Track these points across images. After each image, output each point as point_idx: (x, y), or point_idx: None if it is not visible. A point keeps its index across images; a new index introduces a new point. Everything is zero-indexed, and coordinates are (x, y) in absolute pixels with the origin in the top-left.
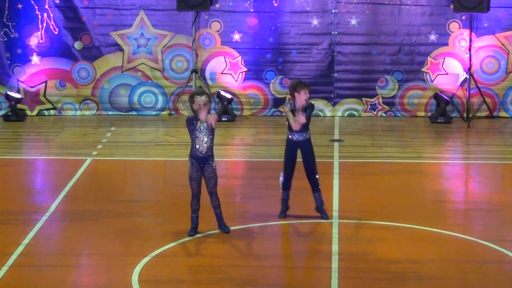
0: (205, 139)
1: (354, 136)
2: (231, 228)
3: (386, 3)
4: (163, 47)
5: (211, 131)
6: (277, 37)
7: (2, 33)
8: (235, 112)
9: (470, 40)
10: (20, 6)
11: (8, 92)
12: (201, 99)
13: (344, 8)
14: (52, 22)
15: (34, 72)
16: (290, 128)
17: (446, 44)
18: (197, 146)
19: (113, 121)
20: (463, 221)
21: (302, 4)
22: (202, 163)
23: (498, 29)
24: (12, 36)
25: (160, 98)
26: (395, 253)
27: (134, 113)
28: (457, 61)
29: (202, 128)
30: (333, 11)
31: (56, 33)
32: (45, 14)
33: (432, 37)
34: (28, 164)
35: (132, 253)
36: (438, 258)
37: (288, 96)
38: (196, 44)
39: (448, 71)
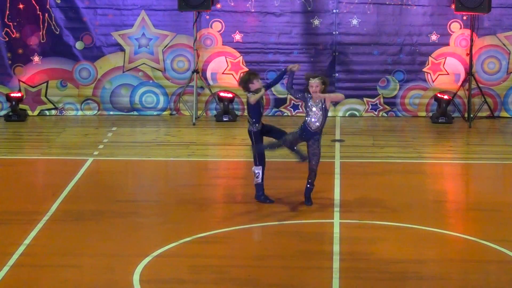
0: (317, 117)
1: (355, 136)
2: (232, 228)
3: (387, 3)
4: (164, 47)
5: (324, 110)
6: (279, 37)
7: (3, 33)
8: (236, 112)
9: (471, 40)
10: (21, 6)
11: (12, 95)
12: (313, 82)
13: (345, 8)
14: (53, 22)
15: (36, 72)
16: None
17: (447, 44)
18: (309, 120)
19: (114, 121)
20: (464, 221)
21: (303, 4)
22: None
23: (499, 29)
24: (13, 36)
25: (161, 98)
26: (396, 253)
27: (135, 113)
28: (458, 61)
29: (315, 105)
30: (335, 11)
31: (57, 33)
32: (46, 14)
33: (433, 37)
34: (29, 164)
35: (133, 253)
36: (439, 258)
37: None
38: (197, 44)
39: (449, 71)
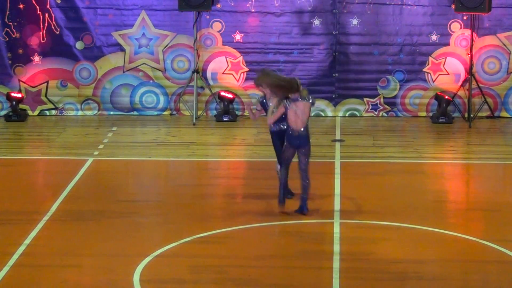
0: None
1: (356, 136)
2: (232, 228)
3: (387, 3)
4: (165, 47)
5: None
6: (279, 37)
7: (3, 33)
8: (237, 112)
9: (472, 40)
10: (21, 6)
11: (12, 95)
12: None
13: (345, 8)
14: (54, 22)
15: (36, 72)
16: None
17: (448, 44)
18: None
19: (115, 121)
20: (464, 221)
21: (303, 4)
22: None
23: (499, 29)
24: (14, 36)
25: (162, 98)
26: (396, 253)
27: (135, 113)
28: (459, 61)
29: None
30: (335, 11)
31: (57, 33)
32: (46, 14)
33: (434, 37)
34: (30, 164)
35: (133, 253)
36: (439, 258)
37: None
38: (197, 44)
39: (450, 71)
